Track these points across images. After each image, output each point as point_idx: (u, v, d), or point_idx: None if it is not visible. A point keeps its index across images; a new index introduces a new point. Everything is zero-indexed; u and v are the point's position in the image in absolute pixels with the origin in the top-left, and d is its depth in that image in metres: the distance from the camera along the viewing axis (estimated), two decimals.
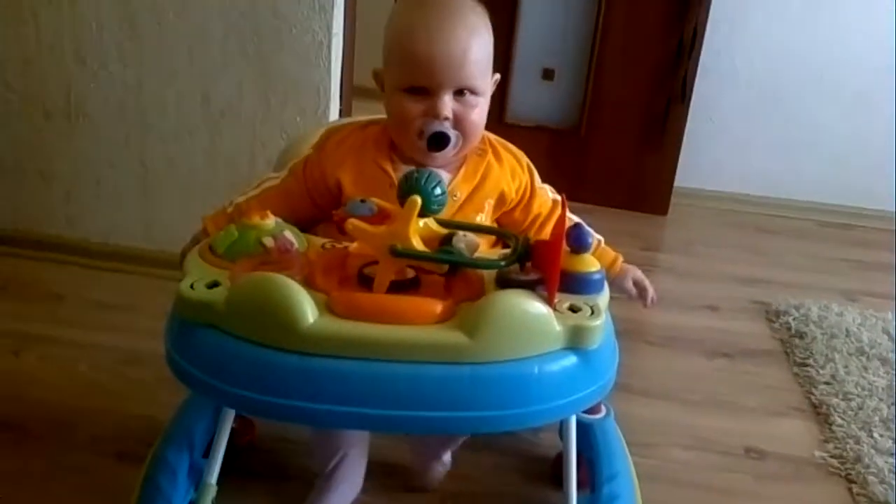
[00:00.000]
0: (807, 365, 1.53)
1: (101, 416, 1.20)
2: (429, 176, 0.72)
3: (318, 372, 0.64)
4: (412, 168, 0.83)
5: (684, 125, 2.34)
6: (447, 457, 1.03)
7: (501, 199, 0.94)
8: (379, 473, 1.06)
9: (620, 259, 1.01)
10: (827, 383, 1.46)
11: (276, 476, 1.09)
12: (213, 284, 0.68)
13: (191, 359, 0.68)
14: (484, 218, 0.92)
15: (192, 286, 0.68)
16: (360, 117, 1.02)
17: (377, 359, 0.64)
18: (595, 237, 0.99)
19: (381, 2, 2.03)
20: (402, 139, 0.90)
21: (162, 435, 0.99)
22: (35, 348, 1.38)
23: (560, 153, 2.36)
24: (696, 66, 2.29)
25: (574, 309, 0.69)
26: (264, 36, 1.52)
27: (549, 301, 0.68)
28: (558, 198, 0.99)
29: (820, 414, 1.38)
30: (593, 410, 1.08)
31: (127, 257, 1.70)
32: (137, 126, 1.63)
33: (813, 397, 1.43)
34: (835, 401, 1.40)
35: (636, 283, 1.01)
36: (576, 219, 0.98)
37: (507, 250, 0.76)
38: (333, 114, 1.58)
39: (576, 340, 0.68)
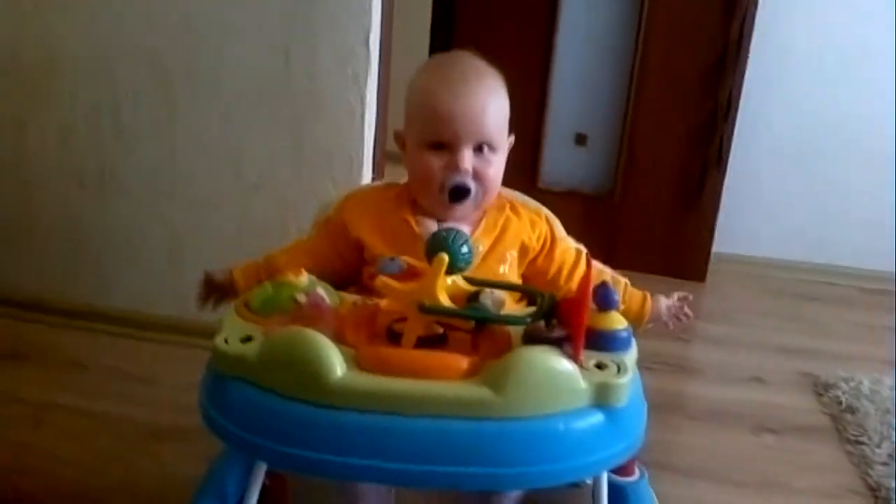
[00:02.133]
0: (861, 443, 1.52)
1: (118, 494, 1.22)
2: (456, 234, 0.78)
3: (345, 425, 0.68)
4: (436, 224, 0.95)
5: (721, 190, 2.39)
6: None
7: (524, 250, 1.01)
8: None
9: (649, 297, 1.06)
10: (884, 464, 1.44)
11: None
12: (247, 339, 0.74)
13: (223, 411, 0.73)
14: (507, 269, 0.99)
15: (226, 340, 0.74)
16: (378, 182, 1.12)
17: (403, 413, 0.68)
18: (622, 280, 1.06)
19: (413, 71, 2.15)
20: (425, 193, 0.98)
21: (195, 488, 1.03)
22: (55, 419, 1.42)
23: (594, 218, 2.42)
24: (733, 129, 2.34)
25: (601, 366, 0.73)
26: (298, 107, 1.60)
27: (574, 358, 0.72)
28: (582, 248, 1.06)
29: (878, 498, 1.36)
30: (626, 472, 1.08)
31: (154, 325, 1.75)
32: (168, 195, 1.71)
33: (869, 479, 1.41)
34: (894, 483, 1.38)
35: (669, 309, 1.07)
36: (608, 269, 1.04)
37: (535, 307, 0.80)
38: (366, 181, 1.64)
39: (602, 398, 0.71)
